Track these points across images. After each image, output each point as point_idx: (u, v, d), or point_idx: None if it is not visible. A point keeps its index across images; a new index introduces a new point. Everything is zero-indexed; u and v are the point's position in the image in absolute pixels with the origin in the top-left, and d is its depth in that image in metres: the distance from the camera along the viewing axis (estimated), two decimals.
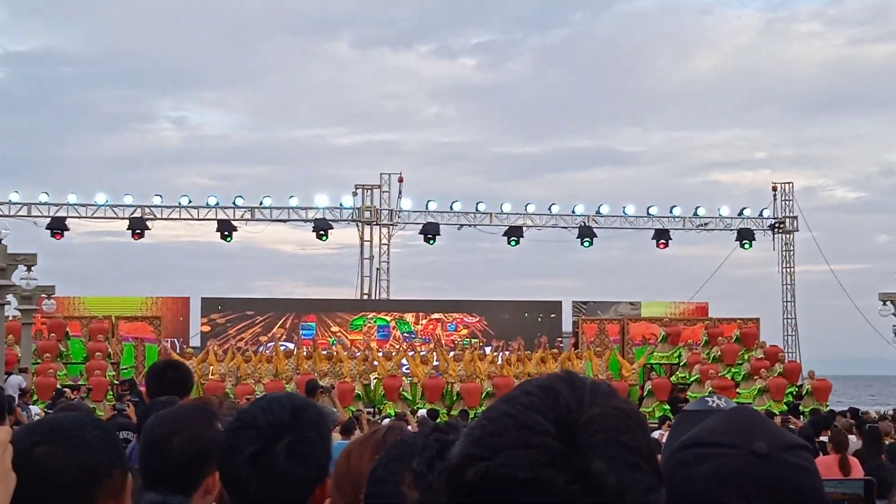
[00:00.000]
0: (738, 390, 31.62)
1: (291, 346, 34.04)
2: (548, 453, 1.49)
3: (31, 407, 22.01)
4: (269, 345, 34.33)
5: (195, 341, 35.71)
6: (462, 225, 40.01)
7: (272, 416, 2.89)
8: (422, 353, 33.11)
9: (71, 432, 2.76)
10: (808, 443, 1.97)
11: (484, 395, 30.55)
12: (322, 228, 38.66)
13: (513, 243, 39.57)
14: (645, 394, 32.10)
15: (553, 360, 32.37)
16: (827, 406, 30.04)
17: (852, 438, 14.77)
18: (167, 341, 34.27)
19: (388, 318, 37.25)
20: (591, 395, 1.55)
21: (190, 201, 38.52)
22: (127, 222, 37.86)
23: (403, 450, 2.37)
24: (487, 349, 34.10)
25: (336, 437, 16.38)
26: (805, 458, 1.80)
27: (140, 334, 33.90)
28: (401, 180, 39.97)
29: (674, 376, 33.54)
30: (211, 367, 30.85)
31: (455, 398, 30.79)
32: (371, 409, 28.67)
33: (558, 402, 1.53)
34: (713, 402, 2.36)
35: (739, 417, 1.87)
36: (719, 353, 33.26)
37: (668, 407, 30.71)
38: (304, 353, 31.90)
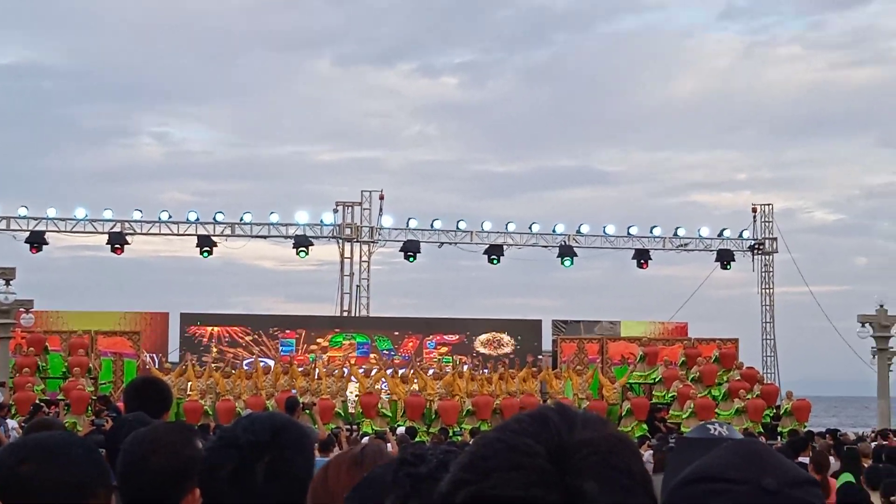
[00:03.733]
0: (716, 410, 31.61)
1: (271, 362, 33.92)
2: (538, 474, 1.48)
3: (8, 421, 21.90)
4: (248, 360, 34.24)
5: (174, 356, 35.55)
6: (443, 243, 40.02)
7: (253, 435, 2.87)
8: (401, 371, 33.05)
9: (55, 451, 2.75)
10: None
11: (464, 412, 30.50)
12: (302, 245, 38.60)
13: (493, 262, 39.60)
14: (624, 413, 32.06)
15: (534, 379, 32.38)
16: (806, 426, 30.05)
17: (831, 460, 14.80)
18: (147, 356, 34.15)
19: (367, 336, 37.15)
20: (582, 422, 1.55)
21: (170, 216, 38.46)
22: (106, 237, 37.76)
23: (374, 487, 2.31)
24: (465, 367, 34.12)
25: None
26: (814, 494, 1.78)
27: (119, 349, 33.72)
28: (381, 198, 40.01)
29: (653, 395, 33.49)
30: (189, 383, 30.73)
31: (434, 416, 30.71)
32: (350, 427, 28.58)
33: (548, 426, 1.53)
34: (715, 429, 2.31)
35: (748, 451, 1.83)
36: (698, 374, 33.23)
37: (646, 427, 30.71)
38: (281, 369, 31.81)
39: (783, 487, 1.74)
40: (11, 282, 28.95)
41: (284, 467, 2.86)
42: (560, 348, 36.21)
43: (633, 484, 1.52)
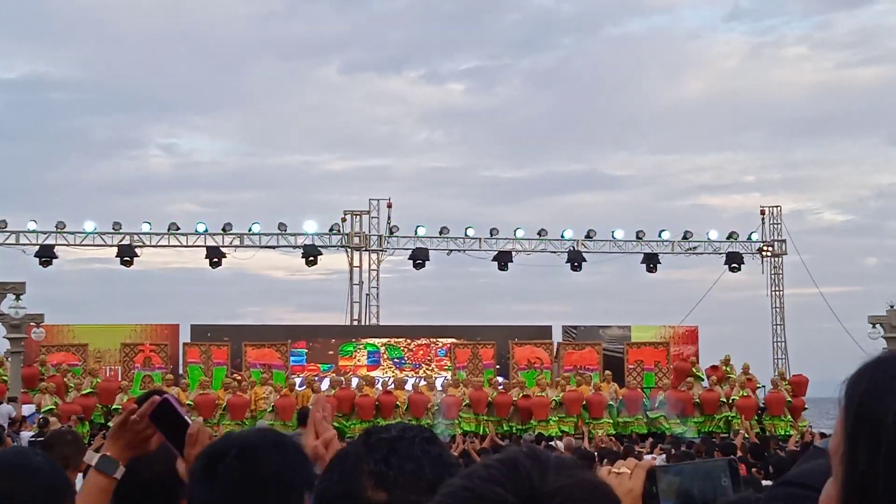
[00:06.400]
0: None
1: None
2: None
3: (22, 434, 21.97)
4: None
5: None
6: (451, 250, 39.98)
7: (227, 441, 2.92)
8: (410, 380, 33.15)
9: (14, 462, 2.88)
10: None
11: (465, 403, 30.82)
12: (311, 254, 38.58)
13: (503, 268, 39.56)
14: (618, 405, 32.00)
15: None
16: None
17: None
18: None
19: (378, 344, 37.13)
20: (555, 467, 1.50)
21: (179, 228, 38.44)
22: (116, 250, 37.76)
23: (348, 461, 2.31)
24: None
25: None
26: None
27: (267, 361, 33.85)
28: (389, 206, 39.97)
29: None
30: None
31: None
32: None
33: (519, 473, 1.48)
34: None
35: None
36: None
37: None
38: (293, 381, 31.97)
39: None
40: (22, 296, 28.98)
41: (251, 466, 2.72)
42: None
43: None
